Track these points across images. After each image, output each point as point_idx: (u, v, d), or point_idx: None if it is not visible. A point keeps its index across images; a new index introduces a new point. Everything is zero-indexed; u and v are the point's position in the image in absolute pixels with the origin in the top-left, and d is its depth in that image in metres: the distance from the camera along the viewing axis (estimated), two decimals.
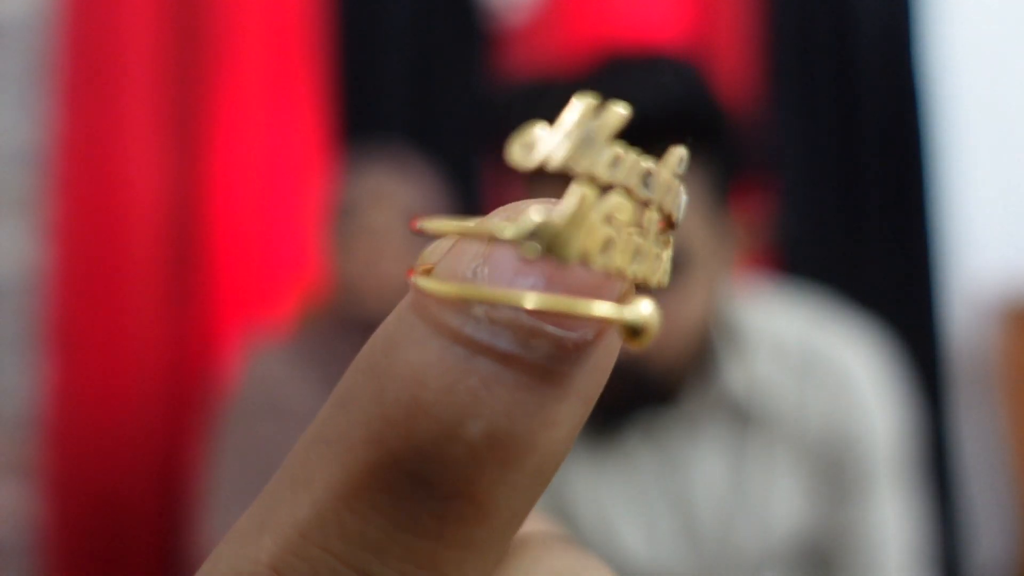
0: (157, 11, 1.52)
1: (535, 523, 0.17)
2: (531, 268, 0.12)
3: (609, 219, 0.13)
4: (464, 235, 0.13)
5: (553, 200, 0.13)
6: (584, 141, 0.12)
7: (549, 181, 0.64)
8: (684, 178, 0.14)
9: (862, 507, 0.72)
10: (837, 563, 0.72)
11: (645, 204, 0.14)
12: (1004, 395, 1.75)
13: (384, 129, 1.59)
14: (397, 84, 1.63)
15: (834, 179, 1.72)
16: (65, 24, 1.51)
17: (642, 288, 0.14)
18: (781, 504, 0.71)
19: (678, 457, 0.71)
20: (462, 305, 0.12)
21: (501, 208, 0.14)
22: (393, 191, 1.16)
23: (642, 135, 0.66)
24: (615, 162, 0.13)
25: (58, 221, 1.50)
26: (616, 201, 0.13)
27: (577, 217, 0.12)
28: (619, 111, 0.13)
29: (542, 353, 0.12)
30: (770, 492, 0.71)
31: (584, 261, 0.12)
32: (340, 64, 1.61)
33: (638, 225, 0.13)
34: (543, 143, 0.12)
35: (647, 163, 0.14)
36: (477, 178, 1.58)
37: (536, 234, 0.12)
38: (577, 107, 0.13)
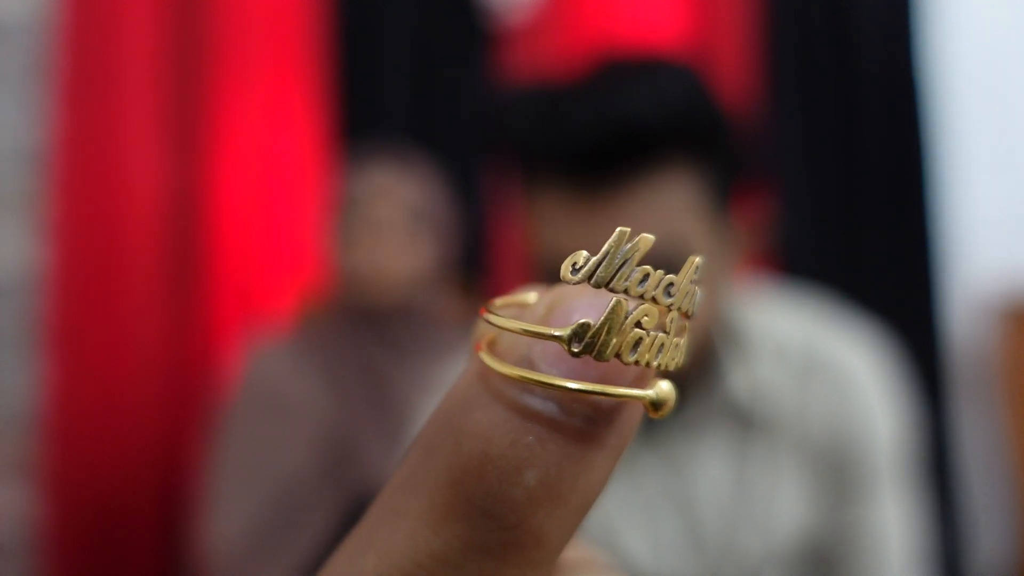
0: (156, 11, 1.52)
1: (578, 550, 0.21)
2: (575, 360, 0.16)
3: (639, 323, 0.16)
4: (525, 333, 0.16)
5: (594, 296, 0.17)
6: (617, 263, 0.16)
7: (546, 192, 0.64)
8: (699, 280, 0.18)
9: (864, 508, 0.72)
10: (839, 564, 0.72)
11: (668, 308, 0.17)
12: (1004, 395, 1.75)
13: (385, 128, 1.59)
14: (397, 83, 1.62)
15: (834, 181, 1.72)
16: (65, 24, 1.50)
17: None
18: (784, 506, 0.71)
19: (681, 461, 0.71)
20: (521, 383, 0.16)
21: (545, 296, 0.17)
22: (396, 186, 1.17)
23: (642, 140, 0.65)
24: (643, 279, 0.17)
25: (58, 221, 1.50)
26: (644, 309, 0.17)
27: (613, 324, 0.16)
28: (648, 238, 0.17)
29: (581, 417, 0.16)
30: (773, 494, 0.71)
31: (618, 356, 0.16)
32: (341, 63, 1.61)
33: (662, 326, 0.17)
34: (587, 265, 0.16)
35: (669, 276, 0.17)
36: (477, 177, 1.58)
37: (580, 335, 0.16)
38: (614, 236, 0.16)
